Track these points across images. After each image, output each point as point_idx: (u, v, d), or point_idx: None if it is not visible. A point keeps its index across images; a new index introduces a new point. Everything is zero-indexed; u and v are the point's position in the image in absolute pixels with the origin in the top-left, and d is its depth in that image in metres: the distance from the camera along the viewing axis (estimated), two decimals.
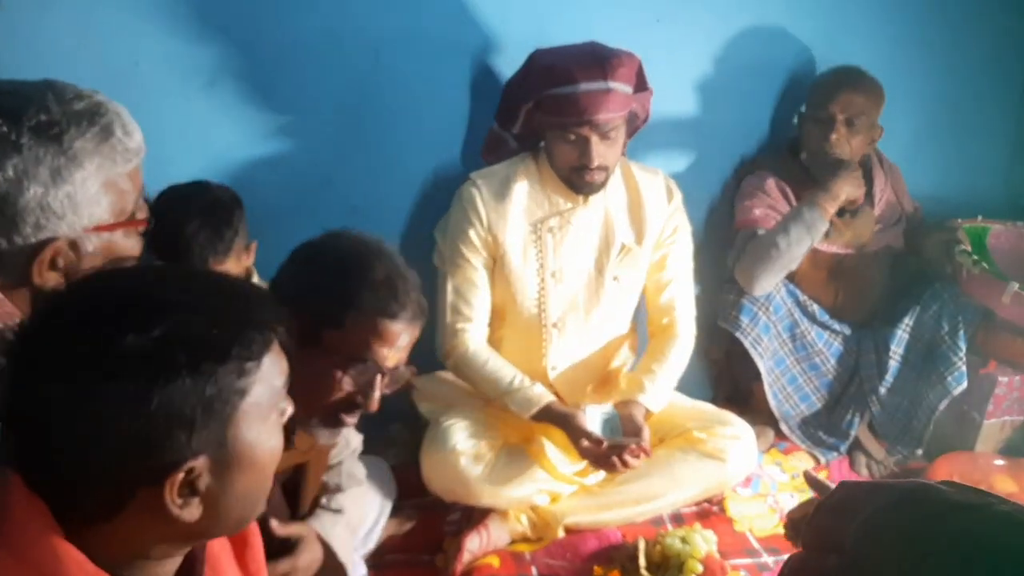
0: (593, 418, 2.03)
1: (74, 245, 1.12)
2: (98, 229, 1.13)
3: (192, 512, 0.83)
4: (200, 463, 0.81)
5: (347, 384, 1.38)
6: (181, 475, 0.80)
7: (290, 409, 0.94)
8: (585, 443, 1.99)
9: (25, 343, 0.82)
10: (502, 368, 2.09)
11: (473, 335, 2.11)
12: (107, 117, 1.13)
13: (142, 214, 1.21)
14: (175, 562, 0.91)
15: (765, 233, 2.37)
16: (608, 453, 1.97)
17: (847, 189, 2.36)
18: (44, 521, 0.80)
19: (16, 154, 1.05)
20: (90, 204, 1.11)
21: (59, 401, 0.78)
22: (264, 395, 0.86)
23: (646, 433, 2.02)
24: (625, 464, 1.97)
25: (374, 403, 1.40)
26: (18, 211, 1.06)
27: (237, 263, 1.84)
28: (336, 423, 1.42)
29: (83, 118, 1.11)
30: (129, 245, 1.20)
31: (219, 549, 0.99)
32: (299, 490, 1.62)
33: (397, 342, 1.40)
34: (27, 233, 1.08)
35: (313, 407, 1.38)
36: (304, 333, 1.19)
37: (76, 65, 1.85)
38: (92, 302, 0.83)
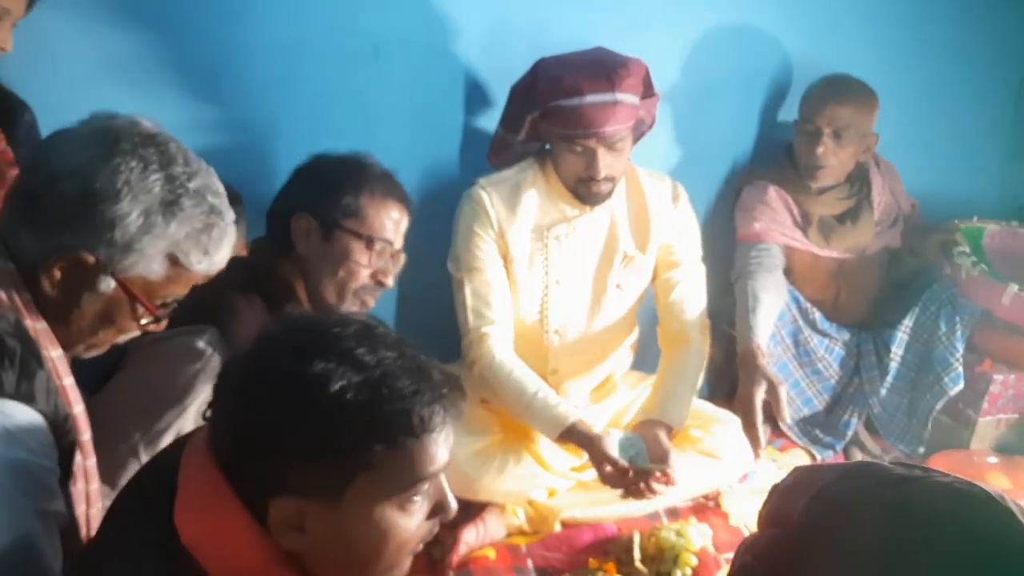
0: (617, 444, 1.96)
1: (95, 269, 1.12)
2: (120, 283, 1.14)
3: (290, 542, 0.90)
4: (307, 504, 0.89)
5: (369, 263, 1.67)
6: (289, 504, 0.88)
7: (449, 507, 0.99)
8: (608, 469, 1.92)
9: (247, 361, 0.93)
10: (526, 383, 2.01)
11: (498, 341, 2.04)
12: (215, 220, 1.17)
13: (161, 315, 1.21)
14: None
15: (742, 299, 2.32)
16: (633, 480, 1.91)
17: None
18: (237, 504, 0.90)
19: (141, 171, 1.10)
20: (137, 259, 1.13)
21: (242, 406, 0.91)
22: (398, 477, 0.91)
23: (672, 458, 1.96)
24: (651, 491, 1.91)
25: (390, 279, 1.72)
26: (92, 205, 1.09)
27: None
28: (362, 304, 1.72)
29: (203, 204, 1.16)
30: (126, 317, 1.18)
31: None
32: None
33: (401, 224, 1.71)
34: (80, 228, 1.10)
35: (343, 292, 1.68)
36: (327, 229, 1.65)
37: (77, 60, 1.88)
38: (292, 342, 0.93)
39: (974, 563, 0.69)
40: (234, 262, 1.83)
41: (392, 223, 1.69)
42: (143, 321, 1.20)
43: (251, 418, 0.90)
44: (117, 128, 1.14)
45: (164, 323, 1.24)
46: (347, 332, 0.93)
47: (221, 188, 1.21)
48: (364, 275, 1.67)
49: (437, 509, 0.99)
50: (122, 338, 1.24)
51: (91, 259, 1.11)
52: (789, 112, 2.55)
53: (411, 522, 0.94)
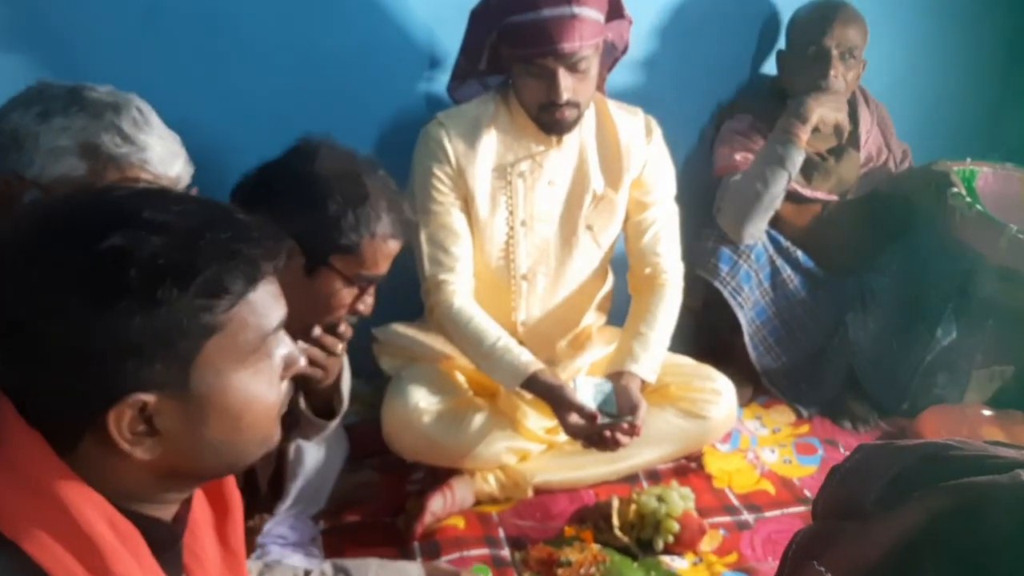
0: (585, 391, 1.87)
1: (18, 185, 1.11)
2: (37, 185, 1.11)
3: (146, 451, 0.79)
4: (153, 400, 0.77)
5: (351, 302, 1.50)
6: (129, 409, 0.76)
7: (297, 359, 0.91)
8: (573, 418, 1.83)
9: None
10: (486, 331, 1.92)
11: (458, 288, 1.95)
12: (126, 103, 1.16)
13: None
14: (172, 508, 0.89)
15: (740, 177, 2.27)
16: (598, 429, 1.83)
17: (820, 111, 2.23)
18: (40, 445, 0.78)
19: (37, 92, 1.16)
20: (48, 155, 1.11)
21: (12, 313, 0.75)
22: (245, 336, 0.82)
23: (642, 411, 1.87)
24: (616, 443, 1.84)
25: (369, 308, 1.54)
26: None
27: None
28: (335, 336, 1.47)
29: (109, 95, 1.17)
30: None
31: (199, 514, 0.96)
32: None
33: (394, 254, 1.54)
34: None
35: (316, 325, 1.45)
36: (313, 263, 1.42)
37: None
38: (58, 213, 0.80)
39: None
40: None
41: (386, 259, 1.52)
42: None
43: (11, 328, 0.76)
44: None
45: None
46: (123, 194, 0.81)
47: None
48: (342, 312, 1.51)
49: (288, 364, 0.90)
50: None
51: (9, 177, 1.12)
52: (775, 48, 2.48)
53: (269, 384, 0.86)
